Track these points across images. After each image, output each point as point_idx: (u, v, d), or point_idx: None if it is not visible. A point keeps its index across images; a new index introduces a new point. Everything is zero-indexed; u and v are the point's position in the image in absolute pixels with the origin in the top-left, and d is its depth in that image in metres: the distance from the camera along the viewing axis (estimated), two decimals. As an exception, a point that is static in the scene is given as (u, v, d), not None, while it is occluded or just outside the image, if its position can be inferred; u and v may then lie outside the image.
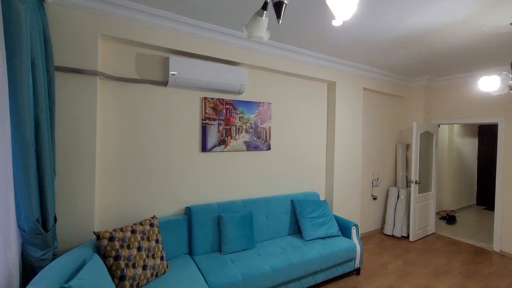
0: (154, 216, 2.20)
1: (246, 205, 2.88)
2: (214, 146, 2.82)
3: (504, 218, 3.63)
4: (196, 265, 2.28)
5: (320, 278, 2.65)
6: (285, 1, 0.99)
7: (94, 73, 2.09)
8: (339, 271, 2.80)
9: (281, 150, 3.32)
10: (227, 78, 2.68)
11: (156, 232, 2.08)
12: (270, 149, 3.21)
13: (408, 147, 4.64)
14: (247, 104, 3.03)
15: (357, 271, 3.02)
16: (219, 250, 2.57)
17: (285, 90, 3.34)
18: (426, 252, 3.67)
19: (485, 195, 6.25)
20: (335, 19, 2.14)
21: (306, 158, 3.55)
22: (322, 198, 3.72)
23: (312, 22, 2.39)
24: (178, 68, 2.42)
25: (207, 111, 2.77)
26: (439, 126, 4.71)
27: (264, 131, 3.16)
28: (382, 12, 2.18)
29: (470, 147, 6.28)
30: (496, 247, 3.70)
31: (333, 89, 3.66)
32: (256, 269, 2.24)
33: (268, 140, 3.19)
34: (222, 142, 2.87)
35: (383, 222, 4.43)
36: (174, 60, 2.40)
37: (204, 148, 2.76)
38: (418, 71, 3.96)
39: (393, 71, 4.01)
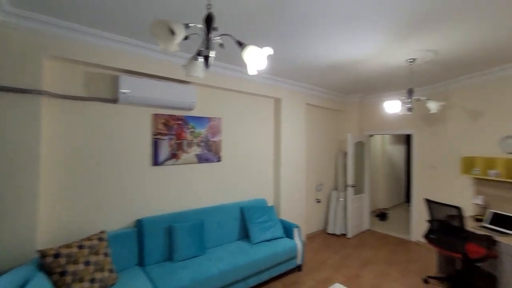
0: (103, 231, 2.28)
1: (198, 214, 3.07)
2: (166, 160, 2.97)
3: (416, 212, 4.39)
4: (146, 274, 2.40)
5: (265, 276, 2.95)
6: (211, 55, 1.26)
7: (38, 92, 2.12)
8: (283, 268, 3.14)
9: (232, 162, 3.59)
10: (178, 95, 2.87)
11: (105, 246, 2.17)
12: (220, 161, 3.46)
13: (346, 155, 5.29)
14: (199, 119, 3.25)
15: (299, 268, 3.40)
16: (171, 258, 2.71)
17: (235, 106, 3.64)
18: (360, 246, 4.25)
19: (409, 194, 7.29)
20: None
21: (255, 168, 3.87)
22: (270, 204, 4.07)
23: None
24: (129, 86, 2.54)
25: (158, 127, 2.92)
26: (371, 136, 5.46)
27: (215, 144, 3.40)
28: (315, 46, 2.61)
29: (399, 152, 7.31)
30: (413, 237, 4.45)
31: (279, 105, 4.07)
32: (205, 273, 2.44)
33: (219, 152, 3.44)
34: (173, 156, 3.03)
35: (326, 222, 4.96)
36: (124, 79, 2.52)
37: (156, 162, 2.90)
38: (351, 89, 4.61)
39: (331, 89, 4.60)
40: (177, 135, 3.06)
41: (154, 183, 2.90)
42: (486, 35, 2.31)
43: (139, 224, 2.66)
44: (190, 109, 3.06)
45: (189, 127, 3.17)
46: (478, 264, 3.32)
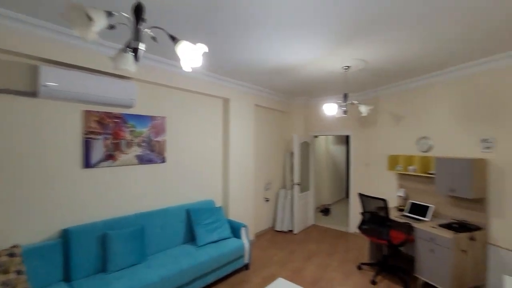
0: (16, 245, 1.96)
1: (139, 219, 2.86)
2: (100, 162, 2.70)
3: (354, 206, 4.84)
4: (74, 290, 2.14)
5: (211, 278, 2.90)
6: (141, 48, 1.19)
7: None
8: (230, 269, 3.13)
9: (177, 163, 3.45)
10: (116, 92, 2.64)
11: (17, 262, 1.86)
12: (165, 161, 3.29)
13: (292, 155, 5.55)
14: (140, 118, 3.04)
15: (246, 267, 3.43)
16: (104, 270, 2.47)
17: (181, 104, 3.50)
18: (305, 241, 4.49)
19: (349, 190, 8.02)
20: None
21: (203, 169, 3.79)
22: (218, 204, 4.02)
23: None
24: (53, 78, 2.23)
25: (90, 125, 2.64)
26: (316, 137, 5.83)
27: (158, 145, 3.22)
28: (260, 49, 2.66)
29: (341, 152, 7.97)
30: (351, 229, 4.89)
31: (227, 105, 4.06)
32: (143, 282, 2.29)
33: (163, 153, 3.26)
34: (109, 157, 2.77)
35: (274, 220, 5.12)
36: (47, 70, 2.21)
37: (87, 164, 2.61)
38: (297, 92, 4.85)
39: (279, 91, 4.77)
40: (114, 135, 2.81)
41: (85, 187, 2.61)
42: (406, 51, 2.67)
43: (65, 234, 2.36)
44: (129, 106, 2.84)
45: (128, 126, 2.94)
46: (400, 248, 3.81)
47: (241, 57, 2.95)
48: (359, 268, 3.47)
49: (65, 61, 2.36)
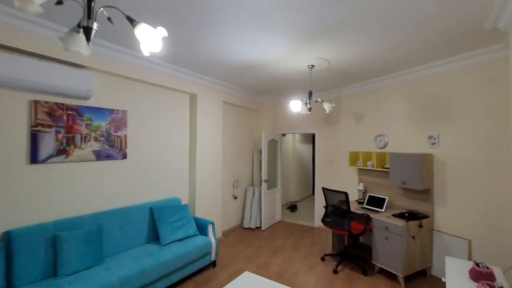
0: None
1: (95, 219, 2.68)
2: (50, 157, 2.47)
3: (318, 202, 5.04)
4: (17, 298, 1.93)
5: (176, 277, 2.81)
6: (94, 28, 1.11)
7: None
8: (196, 266, 3.06)
9: (140, 159, 3.29)
10: (69, 81, 2.44)
11: None
12: (126, 158, 3.12)
13: (261, 152, 5.61)
14: (97, 110, 2.84)
15: (213, 264, 3.39)
16: (55, 274, 2.26)
17: (144, 98, 3.35)
18: (272, 237, 4.56)
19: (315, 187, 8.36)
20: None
21: (168, 165, 3.66)
22: (185, 202, 3.92)
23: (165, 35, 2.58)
24: (-9, 63, 2.00)
25: (39, 117, 2.40)
26: (284, 135, 5.97)
27: (118, 140, 3.04)
28: (227, 44, 2.65)
29: (307, 151, 8.25)
30: (316, 224, 5.09)
31: (194, 101, 3.97)
32: (99, 284, 2.14)
33: (123, 148, 3.09)
34: (62, 152, 2.55)
35: (243, 217, 5.13)
36: (-17, 53, 1.97)
37: (35, 160, 2.37)
38: (265, 90, 4.92)
39: (247, 89, 4.80)
40: (67, 128, 2.59)
41: (32, 185, 2.37)
42: (364, 54, 2.86)
43: (7, 237, 2.12)
44: (85, 98, 2.65)
45: (84, 118, 2.73)
46: (360, 238, 4.06)
47: (208, 51, 2.91)
48: (323, 259, 3.63)
49: (8, 44, 2.12)
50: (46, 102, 2.45)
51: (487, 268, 1.96)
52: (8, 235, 2.12)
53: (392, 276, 3.16)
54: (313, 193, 8.38)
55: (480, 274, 1.93)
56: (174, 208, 3.30)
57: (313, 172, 8.38)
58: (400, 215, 3.21)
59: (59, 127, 2.54)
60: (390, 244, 3.06)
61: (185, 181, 3.95)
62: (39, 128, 2.40)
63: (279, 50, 2.86)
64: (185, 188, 3.96)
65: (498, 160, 2.76)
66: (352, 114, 4.48)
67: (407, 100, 3.64)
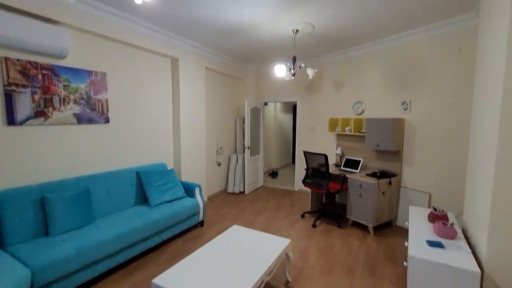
0: None
1: (81, 183, 2.68)
2: (28, 119, 2.37)
3: (298, 169, 5.32)
4: (11, 254, 1.97)
5: (166, 235, 2.96)
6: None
7: None
8: (185, 226, 3.22)
9: (123, 123, 3.23)
10: (41, 37, 2.28)
11: None
12: (109, 122, 3.05)
13: (244, 120, 5.68)
14: (74, 71, 2.70)
15: (201, 224, 3.58)
16: (47, 234, 2.30)
17: (124, 61, 3.20)
18: (255, 200, 4.82)
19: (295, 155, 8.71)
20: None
21: (152, 130, 3.63)
22: (170, 167, 3.97)
23: (142, -7, 2.43)
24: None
25: (11, 75, 2.25)
26: (266, 104, 6.03)
27: (99, 103, 2.95)
28: (209, 3, 2.55)
29: (288, 120, 8.43)
30: (296, 188, 5.42)
31: (176, 65, 3.86)
32: (94, 240, 2.22)
33: (105, 112, 3.01)
34: (40, 113, 2.45)
35: (226, 183, 5.32)
36: None
37: (12, 121, 2.27)
38: (248, 57, 4.86)
39: (230, 55, 4.70)
40: (43, 89, 2.46)
41: (11, 147, 2.29)
42: (346, 18, 2.90)
43: (-7, 198, 2.09)
44: (61, 57, 2.50)
45: (61, 79, 2.59)
46: (336, 197, 4.42)
47: (190, 11, 2.80)
48: (302, 216, 3.95)
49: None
50: (18, 60, 2.28)
51: (442, 211, 2.30)
52: (-7, 196, 2.09)
53: (363, 227, 3.55)
54: (293, 162, 8.74)
55: (437, 216, 2.26)
56: (160, 172, 3.36)
57: (293, 141, 8.66)
58: (373, 174, 3.53)
59: (35, 88, 2.40)
60: (362, 200, 3.40)
61: (169, 147, 3.97)
62: (13, 87, 2.26)
63: (264, 10, 2.81)
64: (170, 155, 3.99)
65: (459, 123, 3.07)
66: (333, 82, 4.62)
67: (384, 68, 3.81)
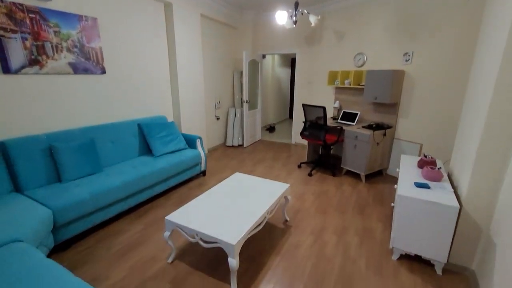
0: None
1: (86, 133, 2.73)
2: (23, 67, 2.30)
3: (296, 123, 5.39)
4: (29, 197, 2.11)
5: (172, 183, 3.14)
6: None
7: None
8: (188, 174, 3.40)
9: (120, 74, 3.15)
10: (22, -26, 2.08)
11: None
12: (105, 72, 2.97)
13: (241, 73, 5.54)
14: (63, 15, 2.53)
15: (203, 173, 3.76)
16: (60, 180, 2.43)
17: (114, 6, 2.98)
18: (253, 152, 4.99)
19: (292, 111, 8.73)
20: None
21: (150, 83, 3.57)
22: (170, 119, 4.01)
23: None
24: None
25: (-2, 19, 2.12)
26: (264, 57, 5.82)
27: (94, 52, 2.83)
28: None
29: (285, 75, 8.24)
30: (292, 141, 5.57)
31: (170, 11, 3.61)
32: (105, 186, 2.37)
33: (101, 62, 2.91)
34: (34, 62, 2.37)
35: (226, 136, 5.43)
36: None
37: (7, 69, 2.20)
38: (246, 3, 4.52)
39: (227, 1, 4.37)
40: (33, 34, 2.34)
41: (10, 96, 2.26)
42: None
43: (2, 147, 2.15)
44: (46, -2, 2.31)
45: (50, 24, 2.45)
46: (332, 148, 4.60)
47: None
48: (299, 166, 4.17)
49: None
50: (2, 1, 2.12)
51: (432, 158, 2.46)
52: (3, 145, 2.15)
53: (355, 176, 3.79)
54: (290, 117, 8.80)
55: (426, 162, 2.42)
56: (161, 124, 3.40)
57: (290, 96, 8.59)
58: (369, 127, 3.64)
59: (24, 33, 2.28)
60: (357, 150, 3.56)
61: (168, 101, 3.94)
62: (2, 32, 2.14)
63: None
64: (169, 108, 3.98)
65: (456, 79, 3.08)
66: (334, 33, 4.42)
67: (388, 16, 3.64)
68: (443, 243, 1.85)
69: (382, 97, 3.52)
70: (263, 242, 2.28)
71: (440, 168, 2.25)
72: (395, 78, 3.42)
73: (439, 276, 1.91)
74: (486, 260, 1.71)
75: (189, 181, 3.56)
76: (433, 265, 2.00)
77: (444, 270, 1.96)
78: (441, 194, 1.91)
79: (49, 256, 2.06)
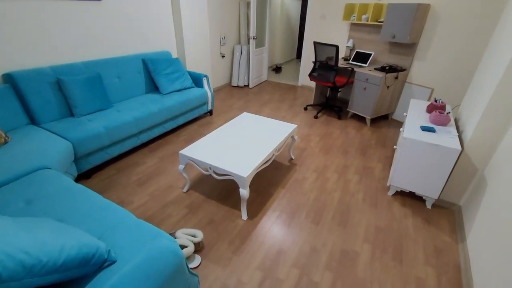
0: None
1: (90, 67, 2.66)
2: (15, -11, 2.10)
3: (304, 64, 5.14)
4: (48, 130, 2.20)
5: (181, 121, 3.21)
6: None
7: None
8: (196, 113, 3.44)
9: (118, 4, 2.88)
10: None
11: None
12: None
13: (248, 5, 5.04)
14: None
15: (210, 112, 3.80)
16: (72, 114, 2.48)
17: None
18: (259, 93, 4.92)
19: (301, 51, 8.23)
20: None
21: (151, 15, 3.29)
22: (174, 56, 3.84)
23: None
24: None
25: None
26: (273, -16, 5.19)
27: (87, -27, 2.54)
28: None
29: (295, 9, 7.49)
30: (299, 83, 5.42)
31: None
32: (118, 121, 2.43)
33: (96, -14, 2.64)
34: (25, -17, 2.15)
35: (231, 76, 5.27)
36: None
37: (-3, -8, 2.02)
38: None
39: None
40: None
41: (5, 25, 2.13)
42: None
43: (10, 79, 2.13)
44: None
45: None
46: (340, 91, 4.53)
47: None
48: (305, 109, 4.17)
49: None
50: None
51: (442, 102, 2.44)
52: (10, 77, 2.13)
53: (361, 119, 3.83)
54: (297, 57, 8.35)
55: (435, 106, 2.42)
56: (166, 61, 3.27)
57: (299, 35, 7.99)
58: (381, 69, 3.49)
59: None
60: (366, 93, 3.51)
61: (171, 34, 3.69)
62: None
63: None
64: (173, 42, 3.76)
65: (483, 21, 2.80)
66: (357, -46, 3.84)
67: None
68: (438, 182, 1.99)
69: (401, 35, 3.28)
70: (270, 176, 2.46)
71: (449, 113, 2.26)
72: (418, 14, 3.12)
73: (428, 209, 2.12)
74: (474, 198, 1.88)
75: (197, 120, 3.63)
76: (424, 201, 2.20)
77: (434, 205, 2.17)
78: (445, 138, 1.97)
79: (74, 183, 2.26)
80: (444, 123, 2.17)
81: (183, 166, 2.05)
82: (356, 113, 3.72)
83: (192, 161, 1.97)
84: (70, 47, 2.59)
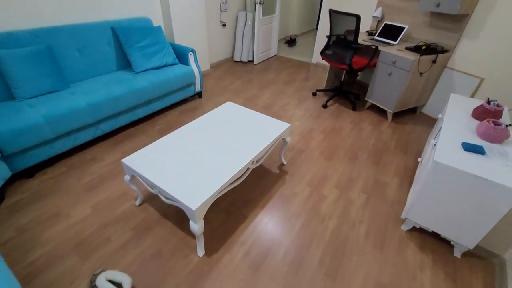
0: None
1: (40, 37, 2.15)
2: None
3: (320, 36, 4.28)
4: (-28, 118, 1.77)
5: (157, 106, 2.69)
6: None
7: None
8: (179, 97, 2.90)
9: (75, -50, 2.26)
10: None
11: None
12: None
13: (257, -40, 4.14)
14: None
15: (199, 95, 3.23)
16: (12, 97, 2.04)
17: None
18: (264, 71, 4.22)
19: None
20: None
21: (123, -33, 2.63)
22: (157, 24, 3.21)
23: None
24: None
25: None
26: None
27: None
28: None
29: (320, -33, 6.31)
30: (314, 60, 4.61)
31: None
32: (65, 108, 1.96)
33: None
34: None
35: (234, 49, 4.56)
36: None
37: None
38: None
39: None
40: None
41: None
42: None
43: None
44: None
45: None
46: (358, 74, 3.75)
47: None
48: (314, 94, 3.47)
49: None
50: None
51: (498, 106, 1.72)
52: None
53: (381, 112, 3.11)
54: (317, 28, 7.28)
55: (488, 111, 1.70)
56: (143, 30, 2.68)
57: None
58: (415, 48, 2.69)
59: None
60: (391, 80, 2.75)
61: (154, -5, 3.03)
62: None
63: None
64: (157, 6, 3.11)
65: None
66: None
67: None
68: (479, 228, 1.38)
69: (449, 3, 2.42)
70: (250, 189, 1.94)
71: (510, 125, 1.54)
72: (479, -28, 2.23)
73: (455, 259, 1.54)
74: (532, 259, 1.27)
75: (182, 103, 3.09)
76: (452, 246, 1.61)
77: (465, 254, 1.58)
78: (500, 167, 1.32)
79: (11, 183, 1.88)
80: (499, 139, 1.49)
81: (129, 177, 1.58)
82: (376, 104, 3.00)
83: (135, 174, 1.48)
84: (12, 9, 2.06)
